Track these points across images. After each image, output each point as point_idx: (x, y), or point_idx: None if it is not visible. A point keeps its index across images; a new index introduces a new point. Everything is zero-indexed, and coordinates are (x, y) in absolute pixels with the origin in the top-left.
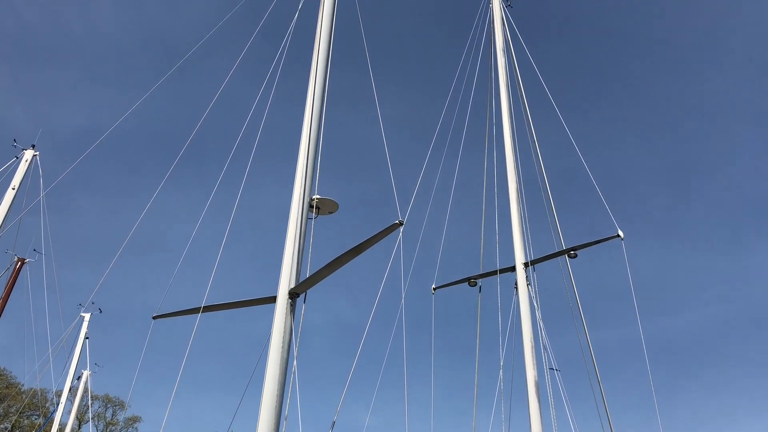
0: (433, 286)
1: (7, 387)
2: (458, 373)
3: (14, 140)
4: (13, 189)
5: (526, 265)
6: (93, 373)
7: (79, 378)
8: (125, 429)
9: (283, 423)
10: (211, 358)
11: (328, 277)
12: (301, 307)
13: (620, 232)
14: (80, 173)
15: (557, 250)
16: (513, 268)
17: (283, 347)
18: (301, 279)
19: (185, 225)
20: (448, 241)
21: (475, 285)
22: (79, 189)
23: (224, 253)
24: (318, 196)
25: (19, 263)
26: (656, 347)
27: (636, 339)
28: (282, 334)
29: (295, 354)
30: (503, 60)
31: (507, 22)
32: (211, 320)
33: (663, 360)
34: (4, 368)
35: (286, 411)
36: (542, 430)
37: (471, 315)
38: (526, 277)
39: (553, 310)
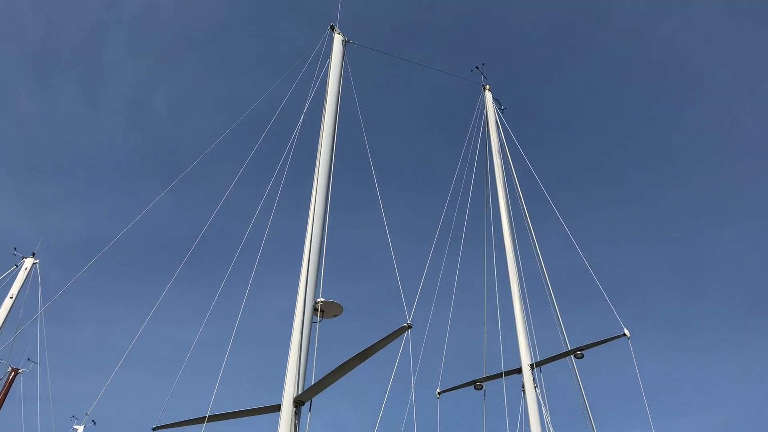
0: (438, 390)
1: None
2: None
3: (14, 249)
4: (11, 297)
5: (532, 366)
6: None
7: None
8: None
9: None
10: None
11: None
12: (306, 416)
13: (626, 331)
14: (80, 281)
15: (563, 351)
16: (519, 370)
17: None
18: (306, 386)
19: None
20: (451, 342)
21: (481, 388)
22: (78, 296)
23: (226, 360)
24: (322, 299)
25: (13, 374)
26: None
27: None
28: None
29: None
30: (499, 161)
31: (501, 125)
32: (209, 429)
33: None
34: None
35: None
36: None
37: (478, 418)
38: (533, 379)
39: (561, 411)
